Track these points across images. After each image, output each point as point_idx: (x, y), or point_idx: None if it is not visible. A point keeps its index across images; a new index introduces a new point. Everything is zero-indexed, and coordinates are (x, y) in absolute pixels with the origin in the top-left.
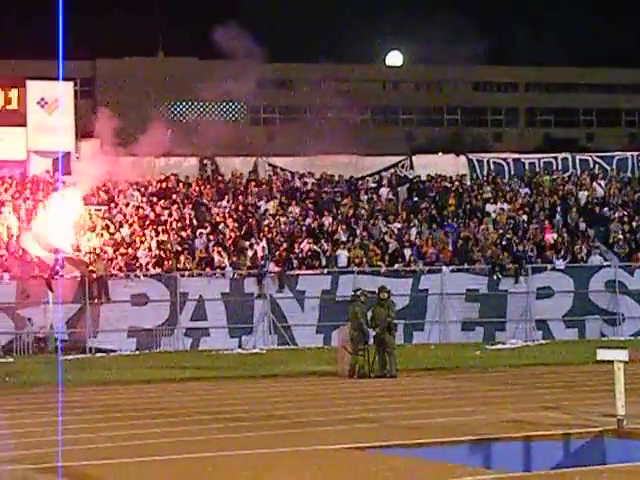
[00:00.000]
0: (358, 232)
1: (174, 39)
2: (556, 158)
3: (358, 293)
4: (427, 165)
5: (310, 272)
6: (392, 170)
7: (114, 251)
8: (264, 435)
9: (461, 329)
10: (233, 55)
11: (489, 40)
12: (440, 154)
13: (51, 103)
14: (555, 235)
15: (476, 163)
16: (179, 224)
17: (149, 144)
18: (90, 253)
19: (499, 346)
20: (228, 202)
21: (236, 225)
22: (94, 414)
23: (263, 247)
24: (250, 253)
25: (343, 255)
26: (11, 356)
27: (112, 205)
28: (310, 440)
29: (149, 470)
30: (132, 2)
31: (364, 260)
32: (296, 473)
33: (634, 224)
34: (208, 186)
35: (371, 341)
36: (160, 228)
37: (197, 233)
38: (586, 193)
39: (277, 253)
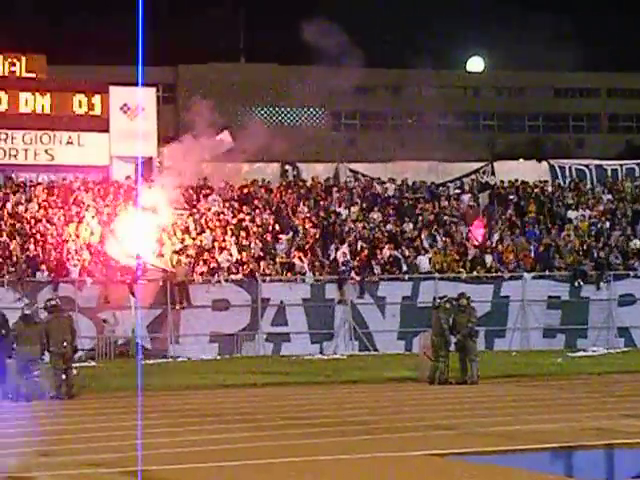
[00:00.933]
0: (439, 238)
1: (255, 45)
2: (639, 164)
3: (442, 300)
4: (508, 171)
5: (391, 278)
6: (473, 176)
7: (196, 256)
8: (344, 441)
9: (542, 336)
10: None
11: (570, 46)
12: (521, 160)
13: (134, 109)
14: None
15: (558, 169)
16: (260, 229)
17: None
18: (172, 258)
19: (580, 353)
20: (309, 207)
21: (317, 230)
22: (175, 419)
23: (344, 253)
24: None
25: (424, 261)
26: (94, 360)
27: (194, 210)
28: (390, 446)
29: (230, 475)
30: (214, 8)
31: (445, 266)
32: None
33: None
34: (289, 191)
35: (452, 348)
36: (241, 233)
37: (278, 238)
38: None
39: (358, 259)
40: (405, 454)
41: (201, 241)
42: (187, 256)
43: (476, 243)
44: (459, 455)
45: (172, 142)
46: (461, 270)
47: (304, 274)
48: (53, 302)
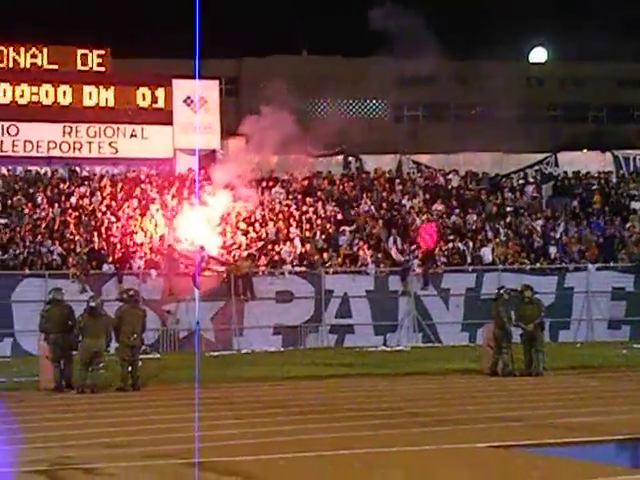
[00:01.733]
0: (503, 230)
1: (318, 37)
2: None
3: (501, 291)
4: (572, 162)
5: (454, 270)
6: (537, 167)
7: (259, 248)
8: (409, 433)
9: (607, 327)
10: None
11: (634, 37)
12: (585, 151)
13: (197, 102)
14: None
15: (622, 160)
16: (324, 221)
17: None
18: (235, 250)
19: None
20: (372, 199)
21: (380, 222)
22: (239, 411)
23: (407, 244)
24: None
25: (488, 253)
26: (157, 352)
27: (257, 203)
28: (455, 438)
29: (295, 466)
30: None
31: (509, 258)
32: (442, 471)
33: None
34: (352, 183)
35: (516, 339)
36: (305, 225)
37: (341, 230)
38: None
39: (420, 251)
40: (469, 446)
41: (265, 233)
42: (251, 248)
43: (424, 247)
44: (524, 447)
45: (253, 115)
46: (525, 261)
47: (367, 266)
48: (131, 293)
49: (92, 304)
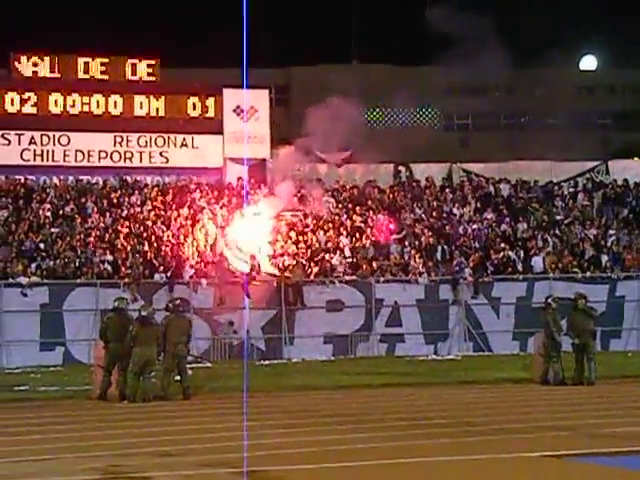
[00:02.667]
0: (553, 238)
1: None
2: None
3: (550, 300)
4: (623, 170)
5: (505, 278)
6: (588, 175)
7: (309, 257)
8: (459, 442)
9: None
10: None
11: None
12: (636, 159)
13: (247, 111)
14: None
15: None
16: (374, 230)
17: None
18: (286, 259)
19: None
20: (422, 208)
21: (430, 231)
22: (290, 419)
23: (457, 253)
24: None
25: (538, 261)
26: (209, 361)
27: (307, 212)
28: (506, 447)
29: (344, 476)
30: (327, 10)
31: (559, 266)
32: None
33: None
34: (403, 192)
35: (566, 348)
36: (355, 234)
37: (392, 239)
38: None
39: (472, 259)
40: (521, 455)
41: (315, 242)
42: (301, 257)
43: (381, 239)
44: (576, 456)
45: (318, 105)
46: (576, 270)
47: (418, 275)
48: (176, 302)
49: (144, 313)
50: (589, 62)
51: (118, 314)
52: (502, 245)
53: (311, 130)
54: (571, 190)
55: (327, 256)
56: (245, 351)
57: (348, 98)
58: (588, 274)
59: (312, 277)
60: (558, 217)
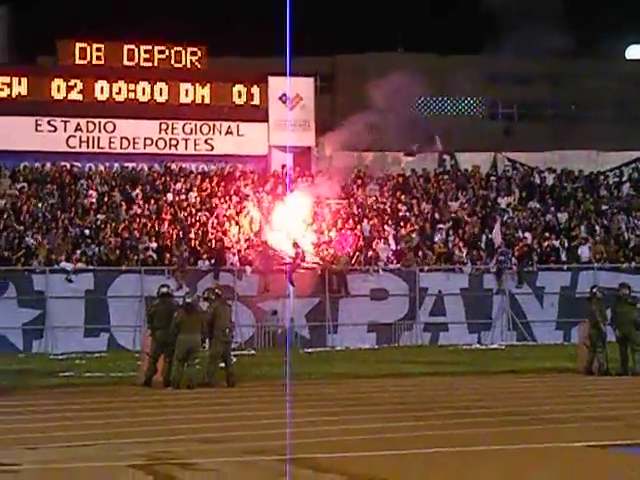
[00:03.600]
0: (598, 228)
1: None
2: None
3: (595, 290)
4: None
5: (549, 268)
6: (633, 165)
7: (354, 246)
8: (504, 431)
9: None
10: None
11: None
12: None
13: (292, 99)
14: None
15: None
16: (418, 219)
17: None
18: (330, 247)
19: None
20: (467, 197)
21: (475, 220)
22: (333, 407)
23: (500, 243)
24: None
25: (585, 251)
26: (253, 348)
27: (352, 200)
28: (551, 437)
29: (388, 464)
30: None
31: (604, 256)
32: (538, 470)
33: None
34: (447, 181)
35: (611, 338)
36: (400, 223)
37: (436, 228)
38: None
39: (516, 249)
40: (565, 445)
41: (360, 230)
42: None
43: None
44: (620, 447)
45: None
46: (622, 260)
47: (463, 264)
48: (218, 291)
49: (188, 300)
50: (635, 51)
51: (165, 301)
52: (547, 235)
53: (371, 103)
54: (616, 180)
55: (372, 244)
56: (288, 339)
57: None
58: (633, 264)
59: (356, 265)
60: (603, 207)
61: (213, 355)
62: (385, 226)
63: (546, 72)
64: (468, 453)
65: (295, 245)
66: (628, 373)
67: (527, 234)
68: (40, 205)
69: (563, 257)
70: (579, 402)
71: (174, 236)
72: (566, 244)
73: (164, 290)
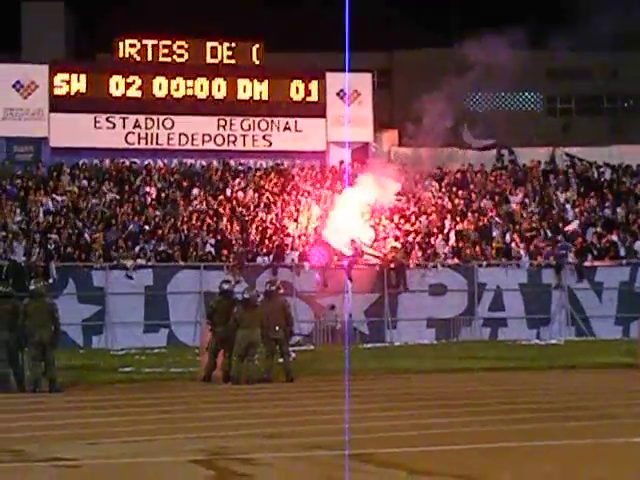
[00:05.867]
0: None
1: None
2: None
3: None
4: None
5: (608, 263)
6: None
7: (413, 241)
8: (564, 426)
9: None
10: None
11: None
12: None
13: (350, 94)
14: None
15: None
16: (477, 214)
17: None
18: (389, 243)
19: None
20: (525, 192)
21: (533, 215)
22: (393, 402)
23: (560, 238)
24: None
25: (639, 246)
26: (312, 344)
27: (410, 196)
28: (611, 432)
29: (446, 458)
30: None
31: None
32: (598, 465)
33: None
34: (505, 176)
35: None
36: (458, 218)
37: (494, 223)
38: None
39: (576, 243)
40: (625, 440)
41: (418, 226)
42: (404, 241)
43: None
44: None
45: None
46: None
47: (520, 259)
48: (268, 287)
49: (246, 296)
50: None
51: (226, 297)
52: (605, 229)
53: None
54: None
55: (430, 240)
56: (347, 335)
57: (454, 81)
58: None
59: (415, 261)
60: None
61: (268, 351)
62: (444, 221)
63: (604, 66)
64: (527, 448)
65: (352, 241)
66: None
67: (587, 229)
68: (99, 202)
69: (622, 252)
70: (638, 397)
71: (233, 232)
72: (625, 239)
73: (225, 286)
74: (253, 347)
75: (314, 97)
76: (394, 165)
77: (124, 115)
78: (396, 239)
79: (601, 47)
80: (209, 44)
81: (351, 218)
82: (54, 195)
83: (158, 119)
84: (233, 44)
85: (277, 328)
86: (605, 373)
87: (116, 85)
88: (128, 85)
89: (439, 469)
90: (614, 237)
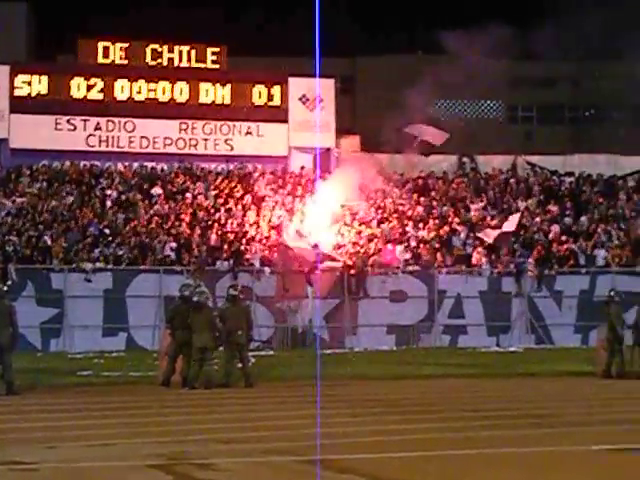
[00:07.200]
0: (616, 232)
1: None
2: None
3: (612, 294)
4: None
5: (568, 271)
6: None
7: (372, 247)
8: (522, 434)
9: None
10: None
11: None
12: None
13: (312, 100)
14: None
15: None
16: (437, 221)
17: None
18: (349, 249)
19: None
20: (486, 200)
21: (494, 223)
22: (352, 408)
23: (518, 246)
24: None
25: (601, 255)
26: (271, 349)
27: (371, 202)
28: (569, 440)
29: (408, 465)
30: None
31: (622, 260)
32: (556, 473)
33: None
34: (466, 183)
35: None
36: (418, 225)
37: (455, 230)
38: None
39: (535, 252)
40: (584, 448)
41: (379, 232)
42: (364, 247)
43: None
44: (638, 450)
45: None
46: None
47: (481, 267)
48: (232, 292)
49: (195, 299)
50: None
51: (185, 302)
52: (565, 238)
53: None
54: (635, 184)
55: (389, 246)
56: (317, 341)
57: (416, 88)
58: None
59: (375, 267)
60: (621, 211)
61: (228, 356)
62: (405, 228)
63: (566, 75)
64: (487, 455)
65: (313, 246)
66: None
67: (546, 237)
68: (59, 204)
69: (582, 261)
70: (597, 405)
71: (193, 236)
72: (585, 248)
73: (185, 292)
74: (208, 351)
75: (276, 102)
76: (355, 170)
77: (85, 117)
78: (356, 245)
79: (564, 56)
80: (172, 47)
81: (313, 223)
82: (13, 197)
83: (119, 122)
84: (196, 48)
85: (239, 332)
86: (564, 381)
87: (77, 87)
88: (89, 87)
89: (400, 476)
90: (574, 246)
